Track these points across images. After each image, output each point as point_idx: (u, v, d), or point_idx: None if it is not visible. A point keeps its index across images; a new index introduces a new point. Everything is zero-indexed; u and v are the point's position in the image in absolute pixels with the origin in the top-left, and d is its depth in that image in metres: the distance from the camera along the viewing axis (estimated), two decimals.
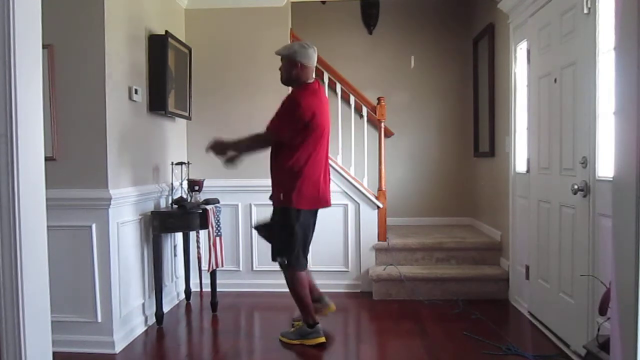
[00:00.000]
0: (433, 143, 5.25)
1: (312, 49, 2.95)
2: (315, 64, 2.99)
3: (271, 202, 3.01)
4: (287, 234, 2.91)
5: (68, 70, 2.83)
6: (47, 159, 1.83)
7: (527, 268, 3.42)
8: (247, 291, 4.11)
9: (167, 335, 3.24)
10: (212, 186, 3.92)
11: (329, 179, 3.09)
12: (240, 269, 4.18)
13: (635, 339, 1.35)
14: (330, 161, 3.20)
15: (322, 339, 2.96)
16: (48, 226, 1.69)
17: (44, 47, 1.95)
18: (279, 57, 3.02)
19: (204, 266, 3.69)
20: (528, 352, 2.82)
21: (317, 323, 2.99)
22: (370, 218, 4.13)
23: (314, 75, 3.01)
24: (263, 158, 4.08)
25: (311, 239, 3.11)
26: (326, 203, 3.05)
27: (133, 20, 3.25)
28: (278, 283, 4.12)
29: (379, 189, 4.18)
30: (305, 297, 2.99)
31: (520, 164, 3.66)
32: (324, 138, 2.99)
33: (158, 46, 3.47)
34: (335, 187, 4.01)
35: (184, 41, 3.92)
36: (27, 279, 1.56)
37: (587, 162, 2.56)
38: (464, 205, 5.17)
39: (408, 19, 5.24)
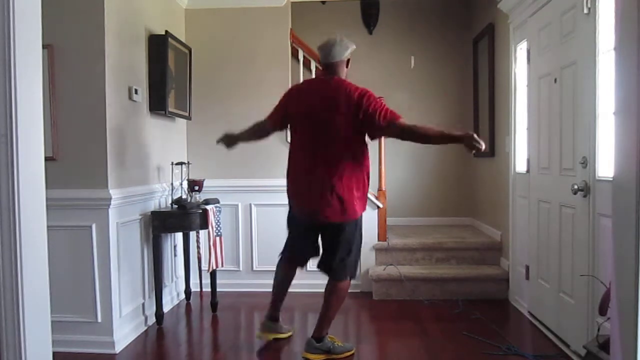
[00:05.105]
0: None
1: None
2: (321, 61, 2.79)
3: None
4: None
5: (68, 70, 2.83)
6: (47, 159, 1.83)
7: (527, 268, 3.42)
8: (247, 291, 4.11)
9: (167, 335, 3.24)
10: (212, 186, 3.92)
11: (321, 186, 2.61)
12: (240, 269, 4.18)
13: (635, 339, 1.35)
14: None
15: (260, 334, 3.01)
16: (48, 226, 1.69)
17: (44, 47, 1.95)
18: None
19: (204, 266, 3.69)
20: (528, 352, 2.82)
21: (267, 317, 3.01)
22: (370, 218, 4.13)
23: (326, 72, 2.78)
24: (264, 158, 4.12)
25: (303, 247, 2.90)
26: (301, 211, 2.77)
27: (133, 20, 3.25)
28: None
29: (379, 189, 4.18)
30: (273, 286, 3.06)
31: (520, 164, 3.66)
32: (299, 130, 2.75)
33: (158, 46, 3.47)
34: None
35: (184, 41, 3.92)
36: (27, 279, 1.56)
37: (587, 162, 2.56)
38: (464, 205, 5.17)
39: (408, 19, 5.24)
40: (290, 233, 2.97)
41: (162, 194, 3.60)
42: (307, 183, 2.70)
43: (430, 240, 4.21)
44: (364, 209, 2.80)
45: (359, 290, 4.08)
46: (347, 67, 2.79)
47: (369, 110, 2.58)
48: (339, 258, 2.74)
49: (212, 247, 3.43)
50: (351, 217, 2.70)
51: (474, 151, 2.51)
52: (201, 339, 3.29)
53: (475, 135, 2.47)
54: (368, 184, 2.79)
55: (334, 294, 2.78)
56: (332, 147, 2.62)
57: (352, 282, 4.00)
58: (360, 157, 2.69)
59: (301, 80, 3.06)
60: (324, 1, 5.02)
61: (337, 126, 2.60)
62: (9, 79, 1.51)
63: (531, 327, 3.26)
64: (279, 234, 4.12)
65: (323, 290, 2.84)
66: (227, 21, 4.14)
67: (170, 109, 3.59)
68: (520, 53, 3.65)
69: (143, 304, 3.31)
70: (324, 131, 2.63)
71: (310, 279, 3.90)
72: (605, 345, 1.89)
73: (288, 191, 2.85)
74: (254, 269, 4.17)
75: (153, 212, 3.34)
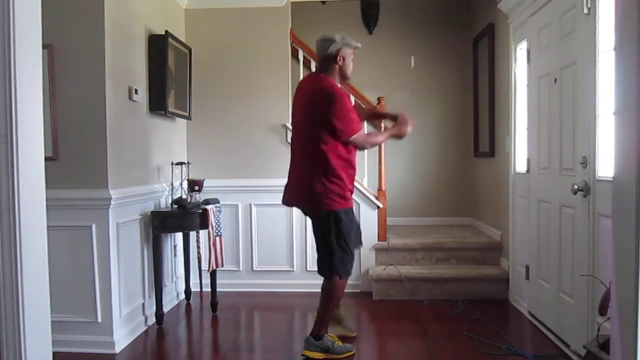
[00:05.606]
0: (433, 143, 5.25)
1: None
2: (317, 54, 2.82)
3: None
4: None
5: (68, 70, 2.83)
6: (47, 159, 1.83)
7: (527, 268, 3.42)
8: (247, 291, 4.11)
9: (167, 335, 3.24)
10: (212, 186, 3.92)
11: (295, 178, 2.80)
12: (240, 269, 4.18)
13: (635, 339, 1.35)
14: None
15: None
16: (48, 226, 1.69)
17: (44, 47, 1.95)
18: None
19: (204, 266, 3.69)
20: (528, 352, 2.82)
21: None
22: (370, 218, 4.13)
23: (320, 68, 2.82)
24: (264, 159, 4.12)
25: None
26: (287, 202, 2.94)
27: (133, 21, 3.25)
28: (277, 283, 4.14)
29: (379, 189, 4.18)
30: None
31: (520, 164, 3.66)
32: (294, 128, 2.90)
33: (158, 46, 3.47)
34: None
35: (184, 41, 3.92)
36: (27, 279, 1.56)
37: (587, 162, 2.56)
38: (464, 205, 5.17)
39: (408, 19, 5.24)
40: None
41: (162, 194, 3.60)
42: (290, 174, 2.87)
43: (430, 240, 4.21)
44: (341, 203, 2.72)
45: (359, 290, 4.08)
46: (336, 62, 2.74)
47: (331, 121, 2.62)
48: (319, 253, 2.80)
49: (212, 247, 3.43)
50: (323, 207, 2.68)
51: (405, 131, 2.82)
52: (201, 339, 3.29)
53: (400, 126, 2.84)
54: (351, 179, 2.77)
55: (324, 290, 2.80)
56: (305, 142, 2.73)
57: (353, 281, 4.06)
58: (337, 152, 2.67)
59: (301, 79, 3.12)
60: (324, 1, 5.02)
61: (307, 123, 2.71)
62: (9, 79, 1.51)
63: (531, 327, 3.26)
64: (279, 234, 4.16)
65: (319, 288, 2.84)
66: (227, 21, 4.14)
67: (170, 109, 3.59)
68: (520, 53, 3.64)
69: (143, 304, 3.31)
70: (300, 126, 2.79)
71: (309, 279, 3.91)
72: (605, 345, 1.89)
73: None
74: (254, 269, 4.17)
75: (153, 212, 3.34)
